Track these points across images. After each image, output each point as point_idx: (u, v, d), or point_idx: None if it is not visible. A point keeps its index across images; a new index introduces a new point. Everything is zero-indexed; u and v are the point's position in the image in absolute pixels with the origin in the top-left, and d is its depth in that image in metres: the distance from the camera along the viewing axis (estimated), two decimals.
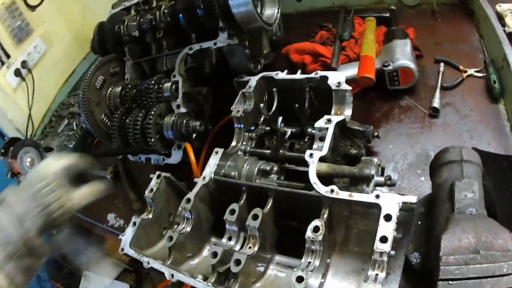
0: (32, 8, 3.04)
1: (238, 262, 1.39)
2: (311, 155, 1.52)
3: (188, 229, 1.64)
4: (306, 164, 1.58)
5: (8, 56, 2.89)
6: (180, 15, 2.02)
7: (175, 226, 1.70)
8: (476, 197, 1.30)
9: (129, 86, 2.16)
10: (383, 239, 1.22)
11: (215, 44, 1.95)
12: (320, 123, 1.61)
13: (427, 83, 2.13)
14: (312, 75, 1.78)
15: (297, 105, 1.74)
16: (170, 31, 2.13)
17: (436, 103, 1.99)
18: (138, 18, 2.20)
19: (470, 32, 2.33)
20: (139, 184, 2.35)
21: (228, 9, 1.81)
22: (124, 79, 2.28)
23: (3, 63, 2.87)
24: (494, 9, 2.23)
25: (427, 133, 1.94)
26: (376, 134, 1.77)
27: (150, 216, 1.76)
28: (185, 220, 1.66)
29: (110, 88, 2.25)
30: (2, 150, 2.51)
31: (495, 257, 1.10)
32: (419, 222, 1.51)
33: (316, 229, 1.35)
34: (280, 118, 1.75)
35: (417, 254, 1.44)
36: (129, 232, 1.71)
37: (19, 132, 2.96)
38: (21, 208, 1.23)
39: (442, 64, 2.16)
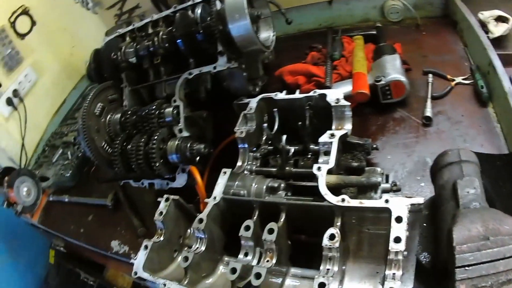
0: (22, 36, 3.05)
1: (258, 276, 1.40)
2: (319, 168, 1.56)
3: (203, 248, 1.65)
4: (311, 179, 1.64)
5: None
6: (179, 40, 2.06)
7: (186, 248, 1.72)
8: (478, 192, 1.39)
9: (129, 112, 2.17)
10: (397, 240, 1.27)
11: (214, 68, 1.99)
12: (324, 138, 1.66)
13: (417, 94, 2.19)
14: (311, 93, 1.83)
15: (300, 123, 1.79)
16: (168, 57, 2.17)
17: (428, 112, 2.05)
18: (135, 44, 2.23)
19: (454, 42, 2.41)
20: (141, 210, 2.36)
21: (227, 33, 1.87)
22: (122, 106, 2.29)
23: None
24: (477, 17, 2.31)
25: (422, 141, 2.00)
26: (374, 146, 1.82)
27: (161, 239, 1.75)
28: (198, 240, 1.67)
29: (109, 115, 2.25)
30: None
31: (504, 241, 1.18)
32: (425, 224, 1.58)
33: (332, 237, 1.38)
34: (284, 137, 1.79)
35: (426, 254, 1.52)
36: (142, 255, 1.69)
37: (12, 161, 2.95)
38: None
39: (430, 75, 2.24)
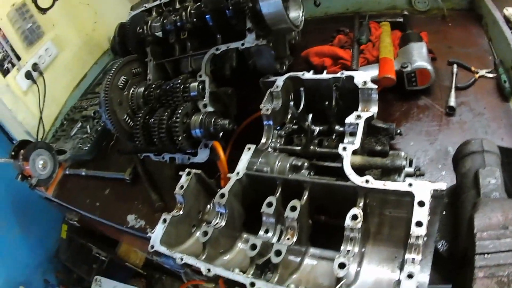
0: (43, 11, 3.05)
1: (278, 253, 1.40)
2: (344, 148, 1.56)
3: (223, 224, 1.65)
4: (334, 160, 1.67)
5: (18, 58, 2.89)
6: (208, 16, 2.05)
7: (205, 223, 1.71)
8: (498, 182, 1.41)
9: (153, 86, 2.18)
10: (419, 224, 1.27)
11: (242, 44, 1.98)
12: (350, 119, 1.65)
13: (441, 84, 2.19)
14: (338, 75, 1.82)
15: (327, 102, 1.79)
16: (194, 32, 2.17)
17: (452, 102, 2.05)
18: (161, 19, 2.23)
19: (479, 35, 2.40)
20: (160, 184, 2.36)
21: (257, 10, 1.86)
22: (146, 80, 2.29)
23: (13, 65, 2.86)
24: (502, 13, 2.30)
25: (445, 131, 2.01)
26: (398, 131, 1.82)
27: (181, 213, 1.74)
28: (219, 215, 1.67)
29: (133, 88, 2.25)
30: (12, 153, 2.50)
31: None
32: (444, 212, 1.57)
33: (354, 217, 1.38)
34: (310, 115, 1.78)
35: (444, 242, 1.52)
36: (160, 229, 1.68)
37: (29, 135, 2.96)
38: None
39: (455, 65, 2.23)
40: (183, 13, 2.15)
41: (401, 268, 1.31)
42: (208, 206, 1.81)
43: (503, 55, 2.17)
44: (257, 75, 2.13)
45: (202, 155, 1.99)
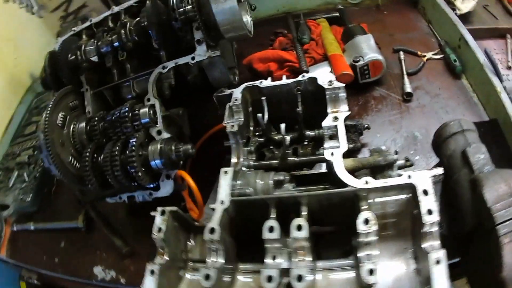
0: None
1: (300, 278, 1.28)
2: (332, 153, 1.49)
3: (221, 261, 1.44)
4: (312, 167, 1.64)
5: None
6: (152, 31, 1.85)
7: (191, 264, 1.58)
8: (487, 156, 1.49)
9: (96, 119, 1.93)
10: (430, 212, 1.26)
11: (193, 58, 1.81)
12: (327, 122, 1.58)
13: (392, 72, 2.25)
14: (299, 78, 1.77)
15: (297, 108, 1.72)
16: (134, 52, 1.96)
17: (408, 88, 2.12)
18: (95, 41, 2.01)
19: (417, 20, 2.51)
20: (117, 227, 2.13)
21: (210, 18, 1.73)
22: (85, 113, 2.04)
23: None
24: None
25: (407, 117, 2.07)
26: (366, 126, 1.86)
27: (166, 258, 1.52)
28: (212, 252, 1.45)
29: (73, 125, 1.98)
30: None
31: None
32: None
33: (366, 221, 1.30)
34: (283, 126, 1.67)
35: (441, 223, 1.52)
36: (150, 283, 1.45)
37: None
38: None
39: (401, 52, 2.31)
40: (122, 31, 1.92)
41: (416, 257, 1.34)
42: (189, 242, 1.64)
43: (447, 35, 2.29)
44: (199, 91, 2.06)
45: (166, 188, 1.78)
